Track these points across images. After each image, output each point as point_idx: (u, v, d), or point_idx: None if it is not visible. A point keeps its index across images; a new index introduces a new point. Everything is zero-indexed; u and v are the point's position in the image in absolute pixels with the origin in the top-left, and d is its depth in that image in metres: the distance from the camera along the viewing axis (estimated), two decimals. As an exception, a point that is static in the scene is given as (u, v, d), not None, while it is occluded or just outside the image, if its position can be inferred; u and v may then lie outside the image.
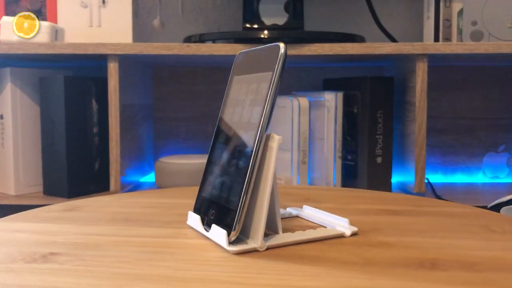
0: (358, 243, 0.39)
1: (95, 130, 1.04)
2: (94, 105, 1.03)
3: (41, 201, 0.98)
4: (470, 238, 0.40)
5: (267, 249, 0.36)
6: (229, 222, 0.36)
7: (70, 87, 0.98)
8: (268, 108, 0.36)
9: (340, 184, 1.06)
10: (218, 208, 0.38)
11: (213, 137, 0.42)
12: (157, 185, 1.10)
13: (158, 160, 1.09)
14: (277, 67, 0.36)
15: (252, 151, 0.36)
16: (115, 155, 0.97)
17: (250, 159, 0.36)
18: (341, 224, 0.42)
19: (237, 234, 0.36)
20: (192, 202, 0.52)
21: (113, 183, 0.97)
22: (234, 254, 0.35)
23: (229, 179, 0.38)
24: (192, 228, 0.42)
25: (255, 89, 0.39)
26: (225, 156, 0.40)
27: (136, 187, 1.11)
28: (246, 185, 0.35)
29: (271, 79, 0.37)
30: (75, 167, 1.00)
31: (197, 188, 0.59)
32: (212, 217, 0.39)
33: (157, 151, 1.25)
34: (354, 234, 0.41)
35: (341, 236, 0.40)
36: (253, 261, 0.34)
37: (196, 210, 0.42)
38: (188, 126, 1.25)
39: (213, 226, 0.38)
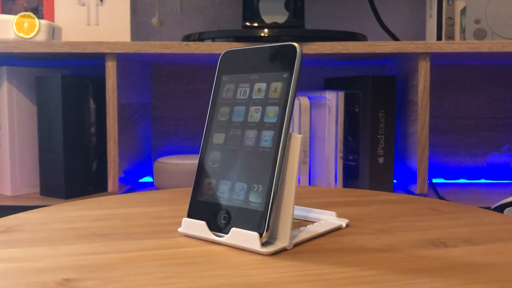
0: (361, 232, 0.41)
1: (92, 130, 1.02)
2: (92, 104, 1.02)
3: (38, 202, 0.97)
4: (435, 219, 0.46)
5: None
6: (256, 224, 0.35)
7: (68, 86, 0.97)
8: (290, 107, 0.36)
9: (342, 185, 1.05)
10: (235, 211, 0.37)
11: (204, 138, 0.41)
12: (156, 186, 1.08)
13: (157, 160, 1.08)
14: (296, 66, 0.37)
15: (275, 150, 0.36)
16: (113, 155, 0.96)
17: (276, 159, 0.36)
18: (330, 218, 0.44)
19: (269, 235, 0.35)
20: (131, 211, 0.49)
21: (111, 184, 0.96)
22: (268, 255, 0.35)
23: (245, 180, 0.37)
24: (189, 235, 0.39)
25: (264, 89, 0.38)
26: (231, 157, 0.38)
27: (134, 187, 1.10)
28: (275, 185, 0.35)
29: (289, 78, 0.37)
30: (73, 167, 0.98)
31: (133, 196, 0.56)
32: (225, 221, 0.37)
33: (155, 151, 1.24)
34: (347, 225, 0.44)
35: (339, 228, 0.42)
36: (297, 259, 0.34)
37: (194, 216, 0.39)
38: (187, 126, 1.23)
39: (234, 229, 0.36)
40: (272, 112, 0.37)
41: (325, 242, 0.39)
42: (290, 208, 0.36)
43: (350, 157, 1.07)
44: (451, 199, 1.00)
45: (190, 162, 1.04)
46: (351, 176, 1.07)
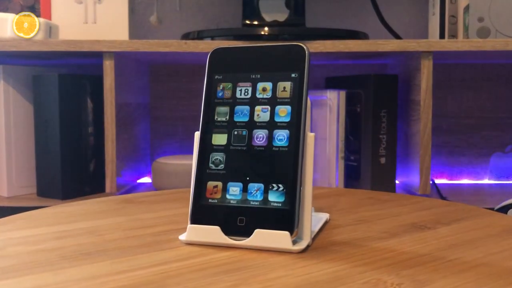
0: (347, 223, 0.44)
1: (90, 129, 1.01)
2: (89, 104, 1.01)
3: (34, 203, 0.96)
4: (389, 207, 0.50)
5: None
6: (283, 223, 0.35)
7: (65, 86, 0.95)
8: (305, 106, 0.37)
9: (343, 185, 1.03)
10: (253, 213, 0.36)
11: (201, 140, 0.39)
12: (154, 187, 1.07)
13: (155, 160, 1.06)
14: (306, 67, 0.38)
15: (294, 149, 0.36)
16: (110, 155, 0.94)
17: (296, 157, 0.36)
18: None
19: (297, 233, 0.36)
20: (88, 225, 0.44)
21: (108, 185, 0.95)
22: (299, 253, 0.35)
23: (262, 180, 0.37)
24: (198, 243, 0.37)
25: (271, 88, 0.38)
26: (239, 158, 0.37)
27: (132, 188, 1.08)
28: (299, 184, 0.36)
29: (299, 78, 0.38)
30: (70, 167, 0.97)
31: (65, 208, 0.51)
32: (242, 224, 0.36)
33: (154, 151, 1.23)
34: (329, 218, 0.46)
35: (326, 222, 0.44)
36: (328, 254, 0.35)
37: (201, 222, 0.37)
38: (186, 126, 1.22)
39: (259, 231, 0.35)
40: (283, 111, 0.38)
41: (328, 236, 0.40)
42: (310, 206, 0.36)
43: (352, 158, 1.05)
44: (454, 200, 0.99)
45: (189, 162, 1.03)
46: (352, 177, 1.05)
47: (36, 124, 0.98)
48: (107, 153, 0.95)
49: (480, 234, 0.40)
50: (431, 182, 1.13)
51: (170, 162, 1.04)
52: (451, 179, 1.22)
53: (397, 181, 1.11)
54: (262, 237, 0.35)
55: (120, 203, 0.53)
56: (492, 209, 0.84)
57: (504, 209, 0.85)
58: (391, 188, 1.02)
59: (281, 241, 0.35)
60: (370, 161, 1.01)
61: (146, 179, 1.20)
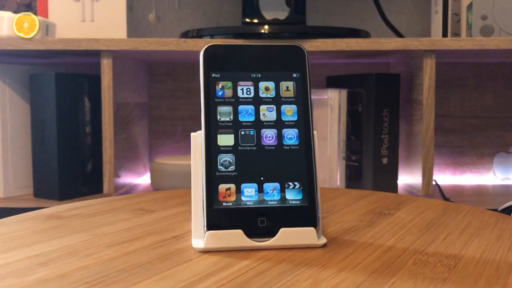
0: (323, 217, 0.45)
1: (87, 129, 1.00)
2: (87, 103, 0.99)
3: (31, 203, 0.95)
4: (326, 200, 0.52)
5: None
6: (305, 219, 0.36)
7: (62, 85, 0.94)
8: (311, 105, 0.38)
9: (344, 186, 1.02)
10: (273, 212, 0.36)
11: (205, 141, 0.37)
12: (152, 187, 1.06)
13: (154, 161, 1.05)
14: (307, 67, 0.39)
15: (305, 147, 0.38)
16: (108, 155, 0.93)
17: (309, 155, 0.37)
18: None
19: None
20: (64, 243, 0.37)
21: (106, 185, 0.93)
22: (323, 246, 0.36)
23: (276, 180, 0.37)
24: (219, 249, 0.35)
25: (273, 87, 0.39)
26: (249, 158, 0.37)
27: (130, 189, 1.07)
28: (315, 180, 0.37)
29: (302, 78, 0.39)
30: (67, 168, 0.96)
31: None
32: (263, 225, 0.36)
33: (152, 152, 1.21)
34: None
35: None
36: (343, 245, 0.36)
37: (219, 227, 0.35)
38: (185, 125, 1.21)
39: (284, 229, 0.36)
40: (290, 110, 0.38)
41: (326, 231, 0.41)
42: (319, 201, 0.37)
43: (353, 158, 1.04)
44: (457, 201, 0.98)
45: (188, 163, 1.02)
46: (354, 177, 1.04)
47: (33, 123, 0.97)
48: (104, 153, 0.93)
49: (433, 214, 0.45)
50: (433, 182, 1.12)
51: (168, 162, 1.02)
52: (454, 180, 1.21)
53: (399, 182, 1.10)
54: (288, 235, 0.36)
55: (49, 220, 0.43)
56: (495, 210, 0.83)
57: (507, 210, 0.83)
58: (393, 188, 1.01)
59: (308, 237, 0.36)
60: (371, 161, 1.00)
61: (144, 180, 1.19)
